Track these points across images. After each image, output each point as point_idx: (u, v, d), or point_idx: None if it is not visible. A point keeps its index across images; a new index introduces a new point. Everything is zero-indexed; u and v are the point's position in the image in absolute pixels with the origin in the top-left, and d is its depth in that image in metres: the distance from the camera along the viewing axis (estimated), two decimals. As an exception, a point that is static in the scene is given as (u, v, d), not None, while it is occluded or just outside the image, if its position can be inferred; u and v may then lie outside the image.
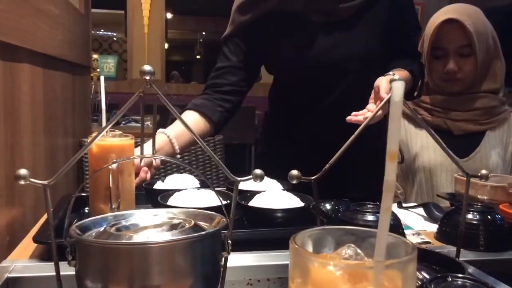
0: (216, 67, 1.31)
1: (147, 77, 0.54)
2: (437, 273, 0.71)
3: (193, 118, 1.22)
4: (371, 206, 0.91)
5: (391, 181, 0.32)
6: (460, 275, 0.57)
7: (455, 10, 1.38)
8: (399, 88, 0.31)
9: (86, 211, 0.96)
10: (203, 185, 1.07)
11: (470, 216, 0.92)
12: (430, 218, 1.08)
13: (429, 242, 0.93)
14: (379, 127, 0.90)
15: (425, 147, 1.44)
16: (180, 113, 1.07)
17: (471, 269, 0.80)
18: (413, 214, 1.15)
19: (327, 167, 0.69)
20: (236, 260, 0.75)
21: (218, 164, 0.58)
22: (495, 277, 0.81)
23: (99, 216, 0.57)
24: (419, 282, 0.57)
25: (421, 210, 1.15)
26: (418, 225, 1.04)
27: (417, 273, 0.68)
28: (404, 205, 1.20)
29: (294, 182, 0.67)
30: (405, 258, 0.37)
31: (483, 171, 0.72)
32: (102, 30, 7.57)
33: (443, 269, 0.71)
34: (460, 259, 0.85)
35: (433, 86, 1.48)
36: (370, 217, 0.88)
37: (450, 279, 0.56)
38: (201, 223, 0.57)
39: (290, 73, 1.30)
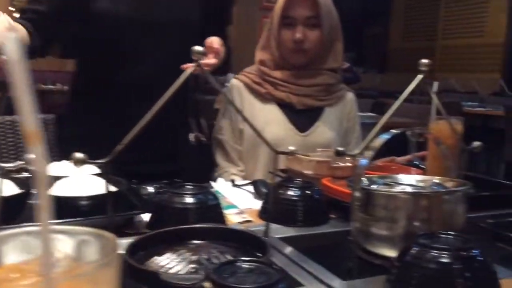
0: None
1: None
2: (243, 255, 0.67)
3: None
4: (189, 186, 0.85)
5: (41, 173, 0.24)
6: (249, 258, 0.53)
7: None
8: (12, 43, 0.22)
9: None
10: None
11: (289, 192, 0.91)
12: (258, 195, 1.06)
13: (250, 221, 0.91)
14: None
15: (269, 122, 1.43)
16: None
17: (287, 248, 0.78)
18: (245, 192, 1.13)
19: (119, 148, 0.61)
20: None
21: None
22: (311, 252, 0.81)
23: None
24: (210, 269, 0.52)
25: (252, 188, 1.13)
26: (246, 204, 1.02)
27: (217, 255, 0.64)
28: (236, 183, 1.17)
29: (79, 166, 0.58)
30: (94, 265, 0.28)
31: (290, 147, 0.69)
32: None
33: (252, 249, 0.68)
34: (278, 236, 0.84)
35: (279, 60, 1.48)
36: (189, 199, 0.82)
37: (238, 264, 0.52)
38: None
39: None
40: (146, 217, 0.85)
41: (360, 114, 1.61)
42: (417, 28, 7.40)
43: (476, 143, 0.80)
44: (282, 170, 1.20)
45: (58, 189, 0.80)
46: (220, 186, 1.16)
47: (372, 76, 7.29)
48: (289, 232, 0.86)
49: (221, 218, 0.83)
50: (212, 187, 1.14)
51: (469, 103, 4.76)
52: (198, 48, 0.54)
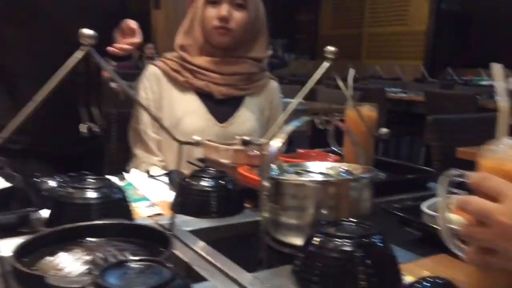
0: None
1: None
2: (146, 251, 0.64)
3: None
4: (91, 180, 0.79)
5: None
6: (141, 258, 0.50)
7: None
8: None
9: None
10: None
11: (202, 182, 0.89)
12: (173, 187, 1.02)
13: (161, 214, 0.87)
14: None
15: (187, 112, 1.39)
16: None
17: (195, 242, 0.76)
18: (161, 184, 1.09)
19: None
20: None
21: None
22: (223, 244, 0.79)
23: None
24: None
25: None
26: (159, 196, 0.98)
27: (115, 253, 0.60)
28: (152, 174, 1.12)
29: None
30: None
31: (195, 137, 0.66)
32: None
33: (156, 245, 0.65)
34: (189, 228, 0.81)
35: (202, 45, 1.43)
36: (91, 194, 0.77)
37: (128, 265, 0.48)
38: None
39: None
40: (46, 214, 0.79)
41: (290, 101, 1.58)
42: (346, 16, 7.59)
43: (384, 130, 0.81)
44: (201, 160, 1.17)
45: None
46: (133, 177, 1.11)
47: (304, 62, 7.41)
48: (201, 224, 0.84)
49: (127, 213, 0.79)
50: (124, 179, 1.09)
51: (393, 89, 4.95)
52: (87, 31, 0.49)
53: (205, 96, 1.40)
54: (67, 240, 0.65)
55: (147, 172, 1.15)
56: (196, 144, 0.65)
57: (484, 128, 2.44)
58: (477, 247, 0.56)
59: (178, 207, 0.88)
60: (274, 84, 1.53)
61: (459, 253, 0.58)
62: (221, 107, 1.42)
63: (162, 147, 1.40)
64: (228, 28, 1.38)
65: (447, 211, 0.59)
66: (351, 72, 1.28)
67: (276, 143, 0.72)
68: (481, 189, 0.53)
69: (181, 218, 0.85)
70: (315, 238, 0.60)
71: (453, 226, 0.58)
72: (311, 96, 4.47)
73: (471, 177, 0.55)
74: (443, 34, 6.46)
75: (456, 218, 0.65)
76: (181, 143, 0.66)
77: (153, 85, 1.41)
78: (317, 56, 7.71)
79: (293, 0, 8.14)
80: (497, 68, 0.57)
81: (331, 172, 0.79)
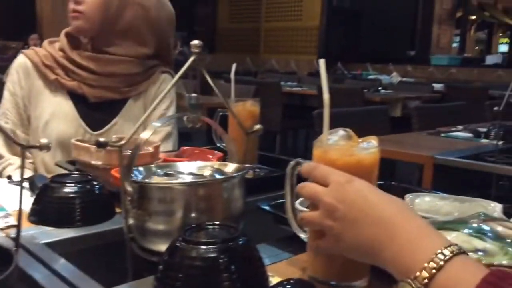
0: None
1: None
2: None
3: None
4: None
5: None
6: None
7: None
8: None
9: None
10: None
11: (65, 188, 0.80)
12: (34, 194, 0.92)
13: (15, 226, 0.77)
14: None
15: (56, 115, 1.25)
16: None
17: (50, 256, 0.68)
18: (25, 191, 0.98)
19: None
20: None
21: None
22: (85, 256, 0.72)
23: None
24: None
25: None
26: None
27: None
28: (13, 179, 1.01)
29: None
30: None
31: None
32: None
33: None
34: (46, 241, 0.73)
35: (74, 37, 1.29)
36: None
37: None
38: None
39: None
40: None
41: (185, 95, 1.46)
42: (243, 10, 7.65)
43: (257, 126, 0.79)
44: (70, 162, 1.07)
45: None
46: None
47: (202, 56, 7.32)
48: (62, 235, 0.76)
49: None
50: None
51: (289, 83, 5.08)
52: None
53: (79, 98, 1.26)
54: None
55: (9, 177, 1.03)
56: (41, 147, 0.57)
57: (370, 120, 2.59)
58: (312, 232, 0.61)
59: (36, 216, 0.79)
60: (164, 77, 1.37)
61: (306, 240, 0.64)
62: (96, 113, 1.27)
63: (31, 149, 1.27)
64: (79, 11, 1.23)
65: (292, 199, 0.65)
66: (233, 67, 1.26)
67: (138, 142, 0.67)
68: (312, 177, 0.59)
69: (40, 229, 0.76)
70: (176, 245, 0.56)
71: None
72: (208, 90, 4.44)
73: (303, 166, 0.61)
74: (334, 30, 6.76)
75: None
76: (24, 147, 0.58)
77: (21, 78, 1.26)
78: (216, 49, 7.70)
79: (191, -7, 8.03)
80: (321, 63, 0.61)
81: (202, 172, 0.75)
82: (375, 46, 7.11)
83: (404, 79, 5.67)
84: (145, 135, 0.67)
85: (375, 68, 6.17)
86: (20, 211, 0.60)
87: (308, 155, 0.64)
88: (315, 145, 0.62)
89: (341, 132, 0.62)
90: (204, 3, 8.33)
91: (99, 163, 0.99)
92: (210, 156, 1.13)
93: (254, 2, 7.38)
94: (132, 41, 1.30)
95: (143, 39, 1.31)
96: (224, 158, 1.02)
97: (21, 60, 1.28)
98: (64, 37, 1.29)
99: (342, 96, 3.81)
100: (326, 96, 0.60)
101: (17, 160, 1.23)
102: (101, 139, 0.62)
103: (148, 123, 1.35)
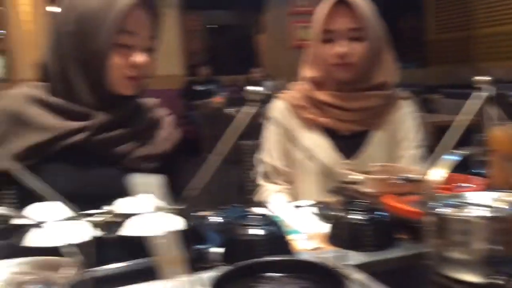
0: None
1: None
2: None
3: None
4: (253, 216, 0.86)
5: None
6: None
7: None
8: None
9: None
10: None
11: (358, 216, 0.90)
12: (325, 219, 1.05)
13: (319, 248, 0.91)
14: None
15: (314, 148, 1.41)
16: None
17: (358, 275, 0.78)
18: (305, 215, 1.13)
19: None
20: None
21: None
22: (385, 278, 0.80)
23: None
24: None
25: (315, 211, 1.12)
26: (309, 228, 1.01)
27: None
28: (298, 205, 1.17)
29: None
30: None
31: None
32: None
33: (326, 281, 0.68)
34: (349, 263, 0.84)
35: (322, 80, 1.43)
36: (258, 231, 0.83)
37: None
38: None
39: None
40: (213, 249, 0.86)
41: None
42: (452, 18, 7.21)
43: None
44: (338, 189, 1.20)
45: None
46: (275, 208, 1.14)
47: (411, 71, 7.06)
48: (360, 258, 0.86)
49: (287, 247, 0.84)
50: (266, 208, 1.13)
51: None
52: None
53: (330, 132, 1.41)
54: (248, 275, 0.70)
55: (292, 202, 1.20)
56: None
57: None
58: None
59: (334, 240, 0.91)
60: (406, 108, 1.46)
61: None
62: (347, 143, 1.40)
63: (294, 179, 1.44)
64: (348, 63, 1.35)
65: None
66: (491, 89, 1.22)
67: (437, 176, 0.73)
68: None
69: (336, 252, 0.88)
70: (496, 277, 0.60)
71: None
72: (428, 107, 4.27)
73: None
74: None
75: None
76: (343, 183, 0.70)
77: (282, 118, 1.46)
78: (425, 63, 7.39)
79: (393, 5, 7.91)
80: None
81: (497, 204, 0.77)
82: None
83: None
84: (437, 169, 0.73)
85: None
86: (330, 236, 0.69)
87: None
88: None
89: None
90: (407, 16, 8.11)
91: (369, 190, 1.09)
92: (473, 183, 1.12)
93: (462, 10, 6.87)
94: (379, 67, 1.40)
95: (386, 63, 1.42)
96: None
97: (278, 104, 1.48)
98: (306, 82, 1.44)
99: None
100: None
101: (272, 187, 1.44)
102: (410, 175, 0.70)
103: (402, 150, 1.43)
